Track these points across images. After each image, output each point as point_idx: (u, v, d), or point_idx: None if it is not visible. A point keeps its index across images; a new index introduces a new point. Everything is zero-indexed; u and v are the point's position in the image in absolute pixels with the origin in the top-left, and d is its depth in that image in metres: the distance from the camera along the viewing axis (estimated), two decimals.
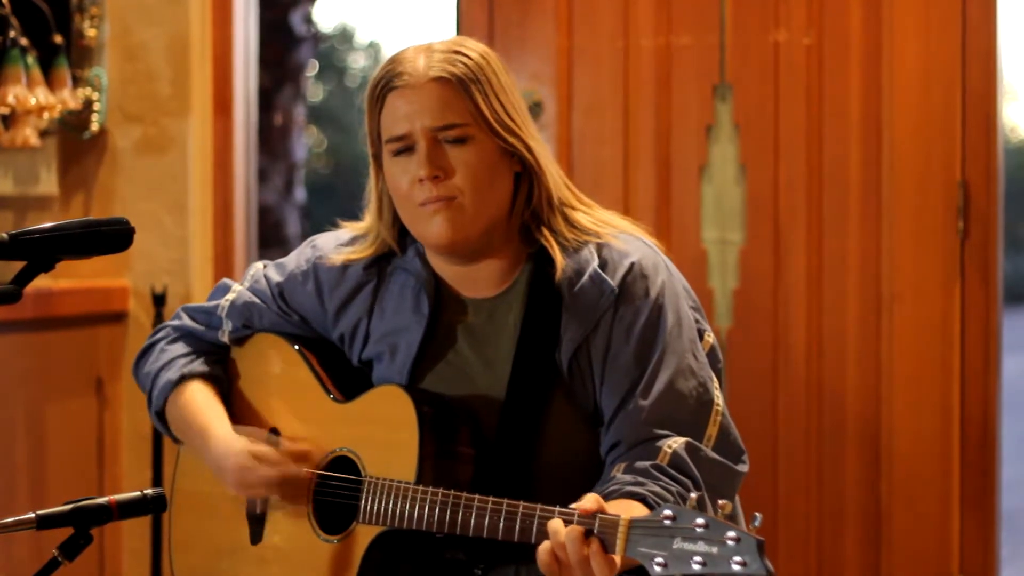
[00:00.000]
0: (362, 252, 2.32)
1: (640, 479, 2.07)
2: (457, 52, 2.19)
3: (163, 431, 2.45)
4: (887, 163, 3.64)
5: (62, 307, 3.75)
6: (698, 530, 1.76)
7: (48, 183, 3.87)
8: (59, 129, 3.87)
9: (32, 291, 2.46)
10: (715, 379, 2.21)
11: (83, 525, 1.88)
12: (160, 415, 2.42)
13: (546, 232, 2.23)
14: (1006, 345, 3.65)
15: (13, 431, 3.62)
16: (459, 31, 3.90)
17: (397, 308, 2.29)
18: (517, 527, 2.01)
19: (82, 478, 3.83)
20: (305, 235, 7.70)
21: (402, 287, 2.29)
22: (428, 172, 2.16)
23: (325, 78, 16.03)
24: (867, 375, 3.66)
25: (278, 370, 2.38)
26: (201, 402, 2.36)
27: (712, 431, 2.16)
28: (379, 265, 2.32)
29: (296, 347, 2.37)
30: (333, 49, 16.28)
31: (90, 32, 3.86)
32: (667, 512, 1.80)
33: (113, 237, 1.87)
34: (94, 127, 3.88)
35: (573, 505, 1.93)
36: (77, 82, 3.83)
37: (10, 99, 3.56)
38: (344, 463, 2.26)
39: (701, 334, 2.23)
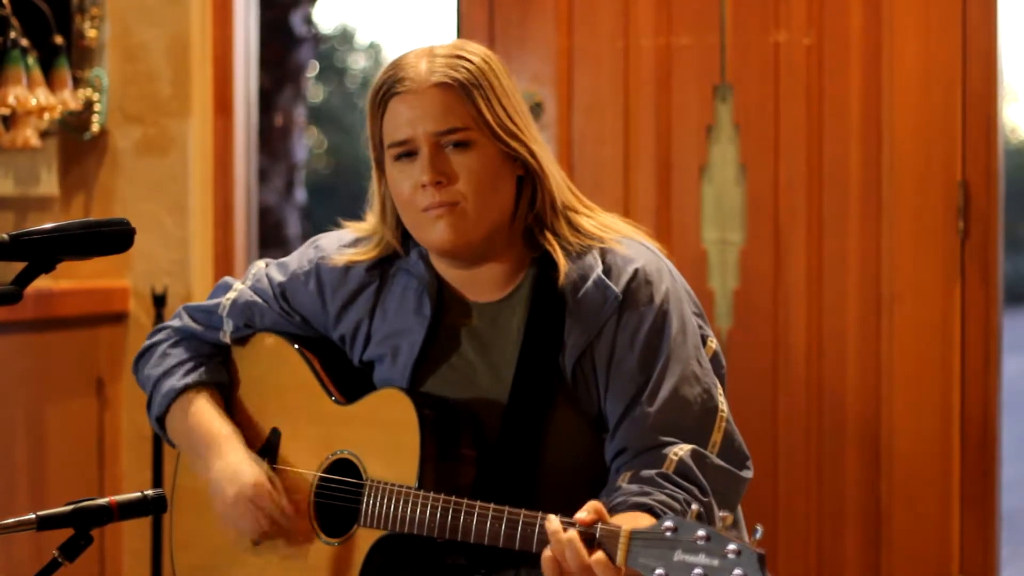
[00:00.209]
0: (365, 254, 2.31)
1: (646, 488, 2.07)
2: (459, 57, 2.19)
3: (161, 435, 2.45)
4: (887, 163, 3.64)
5: (63, 308, 3.75)
6: (699, 542, 1.76)
7: (49, 184, 3.87)
8: (60, 130, 3.87)
9: (33, 292, 2.46)
10: (719, 385, 2.21)
11: (83, 526, 1.88)
12: (160, 421, 2.42)
13: (549, 236, 2.22)
14: (1006, 345, 3.65)
15: (13, 431, 3.62)
16: (459, 32, 3.90)
17: (399, 310, 2.29)
18: (518, 535, 2.01)
19: (82, 479, 3.83)
20: (305, 236, 7.70)
21: (404, 289, 2.29)
22: (431, 178, 2.16)
23: (325, 79, 16.03)
24: (867, 375, 3.66)
25: (279, 371, 2.38)
26: (209, 416, 2.35)
27: (717, 437, 2.16)
28: (382, 267, 2.32)
29: (297, 348, 2.37)
30: (333, 50, 16.29)
31: (90, 33, 3.87)
32: (668, 524, 1.80)
33: (113, 238, 1.87)
34: (95, 128, 3.88)
35: (576, 516, 1.92)
36: (78, 83, 3.83)
37: (11, 100, 3.56)
38: (345, 465, 2.25)
39: (705, 340, 2.23)
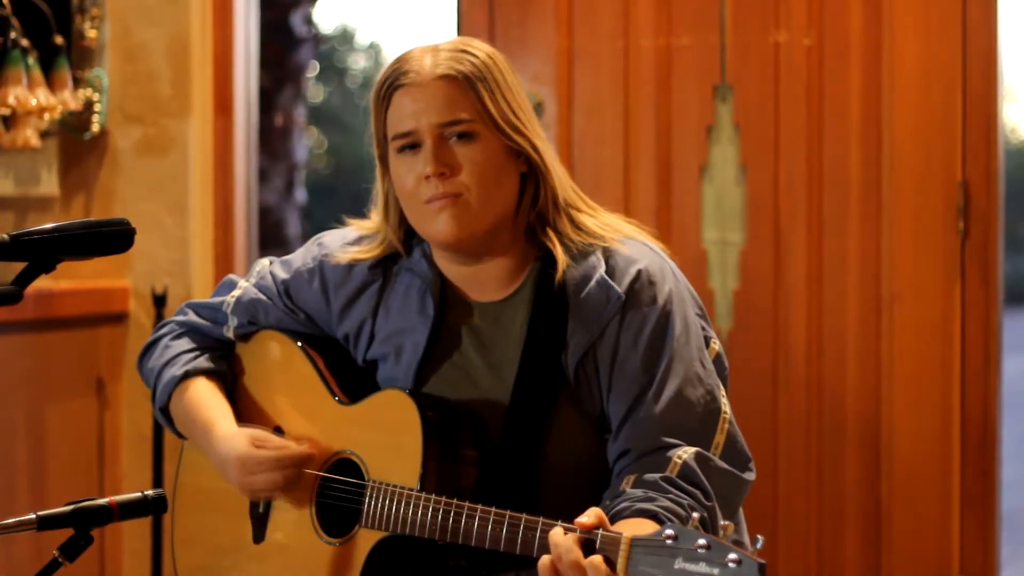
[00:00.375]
0: (368, 252, 2.31)
1: (651, 494, 2.06)
2: (464, 51, 2.20)
3: (166, 426, 2.45)
4: (887, 163, 3.64)
5: (63, 308, 3.75)
6: (700, 551, 1.76)
7: (49, 184, 3.88)
8: (60, 130, 3.88)
9: (33, 292, 2.46)
10: (721, 387, 2.20)
11: (84, 526, 1.88)
12: (164, 411, 2.42)
13: (551, 233, 2.22)
14: (1006, 345, 3.65)
15: (13, 431, 3.62)
16: (459, 32, 3.90)
17: (402, 309, 2.29)
18: (519, 539, 2.01)
19: (82, 479, 3.83)
20: (306, 236, 7.70)
21: (407, 288, 2.29)
22: (434, 169, 2.15)
23: (326, 79, 16.03)
24: (867, 375, 3.66)
25: (282, 369, 2.38)
26: (205, 399, 2.36)
27: (720, 439, 2.15)
28: (385, 265, 2.32)
29: (301, 346, 2.37)
30: (334, 50, 16.28)
31: (91, 33, 3.87)
32: (669, 532, 1.80)
33: (114, 238, 1.87)
34: (95, 128, 3.88)
35: (577, 520, 1.92)
36: (78, 83, 3.83)
37: (11, 100, 3.56)
38: (347, 466, 2.25)
39: (707, 341, 2.22)
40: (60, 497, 3.45)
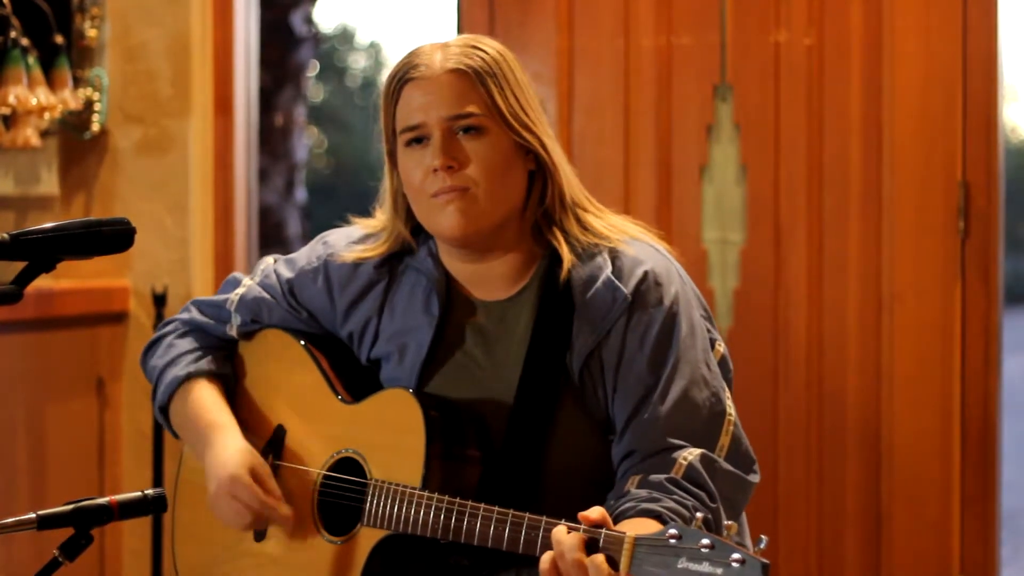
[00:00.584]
0: (374, 250, 2.31)
1: (655, 495, 2.06)
2: (474, 47, 2.20)
3: (165, 426, 2.45)
4: (888, 163, 3.64)
5: (63, 307, 3.75)
6: (703, 550, 1.76)
7: (49, 183, 3.88)
8: (60, 129, 3.88)
9: (33, 291, 2.46)
10: (727, 389, 2.20)
11: (84, 525, 1.87)
12: (163, 410, 2.42)
13: (557, 232, 2.22)
14: (1006, 345, 3.65)
15: (13, 431, 3.62)
16: (460, 32, 3.90)
17: (407, 308, 2.28)
18: (522, 538, 2.01)
19: (82, 478, 3.83)
20: (306, 235, 7.71)
21: (413, 287, 2.29)
22: (442, 162, 2.15)
23: (326, 78, 16.03)
24: (867, 375, 3.66)
25: (286, 367, 2.38)
26: (209, 403, 2.36)
27: (725, 441, 2.15)
28: (390, 264, 2.31)
29: (304, 344, 2.37)
30: (334, 49, 16.29)
31: (91, 32, 3.87)
32: (673, 531, 1.80)
33: (114, 237, 1.87)
34: (95, 127, 3.88)
35: (580, 513, 1.92)
36: (78, 82, 3.83)
37: (11, 99, 3.57)
38: (350, 464, 2.25)
39: (713, 343, 2.22)
40: (60, 496, 3.45)
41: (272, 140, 7.80)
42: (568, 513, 1.97)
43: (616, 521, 1.99)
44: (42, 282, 2.37)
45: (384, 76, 2.28)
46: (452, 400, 2.21)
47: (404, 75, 2.19)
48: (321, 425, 2.30)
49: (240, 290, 2.42)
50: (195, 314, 2.45)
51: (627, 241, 2.23)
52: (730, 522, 1.79)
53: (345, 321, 2.34)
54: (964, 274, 3.60)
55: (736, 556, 1.74)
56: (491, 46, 2.21)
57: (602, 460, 2.19)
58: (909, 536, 3.64)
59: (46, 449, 3.69)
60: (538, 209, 2.23)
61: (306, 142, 8.88)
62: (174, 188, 3.91)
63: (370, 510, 2.18)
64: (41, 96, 3.62)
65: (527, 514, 2.02)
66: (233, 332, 2.42)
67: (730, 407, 2.18)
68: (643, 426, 2.13)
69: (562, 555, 1.90)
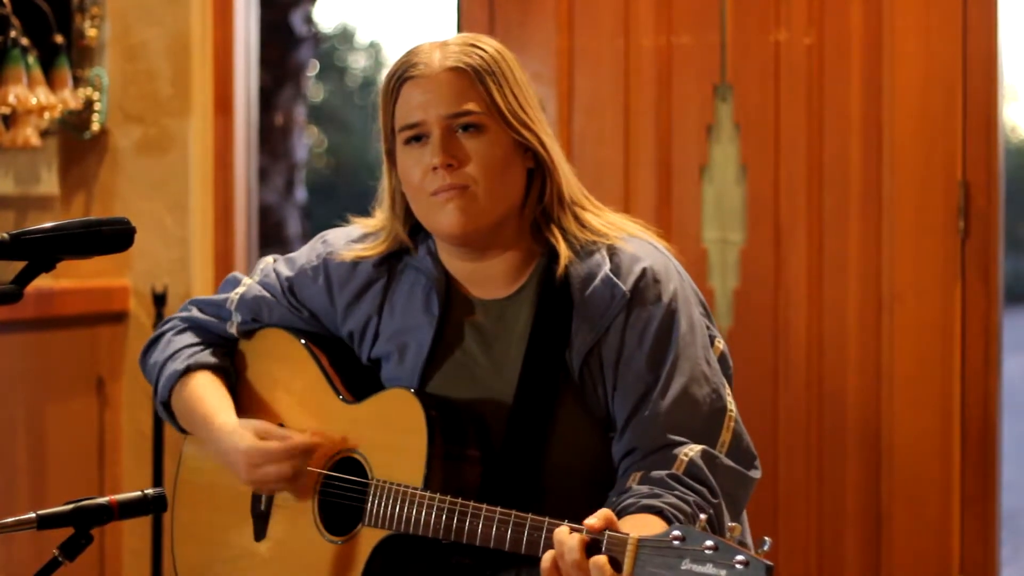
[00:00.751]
0: (373, 249, 2.31)
1: (657, 491, 2.06)
2: (473, 45, 2.20)
3: (168, 421, 2.44)
4: (888, 163, 3.64)
5: (63, 307, 3.75)
6: (707, 552, 1.76)
7: (49, 183, 3.87)
8: (60, 129, 3.87)
9: (33, 291, 2.46)
10: (727, 385, 2.21)
11: (84, 525, 1.87)
12: (166, 405, 2.42)
13: (555, 230, 2.22)
14: (1006, 345, 3.65)
15: (13, 431, 3.62)
16: (460, 31, 3.90)
17: (407, 307, 2.28)
18: (524, 539, 2.01)
19: (82, 478, 3.83)
20: (306, 235, 7.71)
21: (412, 286, 2.29)
22: (442, 160, 2.15)
23: (326, 78, 16.03)
24: (867, 375, 3.66)
25: (286, 366, 2.38)
26: (207, 392, 2.36)
27: (726, 437, 2.15)
28: (390, 263, 2.31)
29: (305, 344, 2.36)
30: (334, 49, 16.29)
31: (91, 32, 3.87)
32: (676, 532, 1.80)
33: (114, 237, 1.87)
34: (95, 127, 3.88)
35: (585, 521, 1.91)
36: (78, 82, 3.83)
37: (11, 99, 3.56)
38: (351, 464, 2.25)
39: (712, 340, 2.23)
40: (60, 496, 3.45)
41: (272, 140, 7.80)
42: (570, 511, 1.97)
43: (617, 517, 1.98)
44: (42, 282, 2.37)
45: (384, 75, 2.28)
46: (453, 400, 2.21)
47: (403, 73, 2.19)
48: (322, 425, 2.30)
49: (240, 289, 2.42)
50: (195, 313, 2.46)
51: (625, 238, 2.24)
52: (733, 523, 1.79)
53: (345, 320, 2.34)
54: (964, 274, 3.60)
55: (740, 558, 1.74)
56: (490, 45, 2.22)
57: (602, 458, 2.19)
58: (909, 536, 3.64)
59: (46, 449, 3.69)
60: (537, 207, 2.23)
61: (306, 142, 8.88)
62: (174, 188, 3.91)
63: (371, 510, 2.18)
64: (41, 96, 3.62)
65: (530, 515, 2.01)
66: (233, 330, 2.42)
67: (730, 403, 2.19)
68: (643, 423, 2.13)
69: (562, 555, 1.90)
